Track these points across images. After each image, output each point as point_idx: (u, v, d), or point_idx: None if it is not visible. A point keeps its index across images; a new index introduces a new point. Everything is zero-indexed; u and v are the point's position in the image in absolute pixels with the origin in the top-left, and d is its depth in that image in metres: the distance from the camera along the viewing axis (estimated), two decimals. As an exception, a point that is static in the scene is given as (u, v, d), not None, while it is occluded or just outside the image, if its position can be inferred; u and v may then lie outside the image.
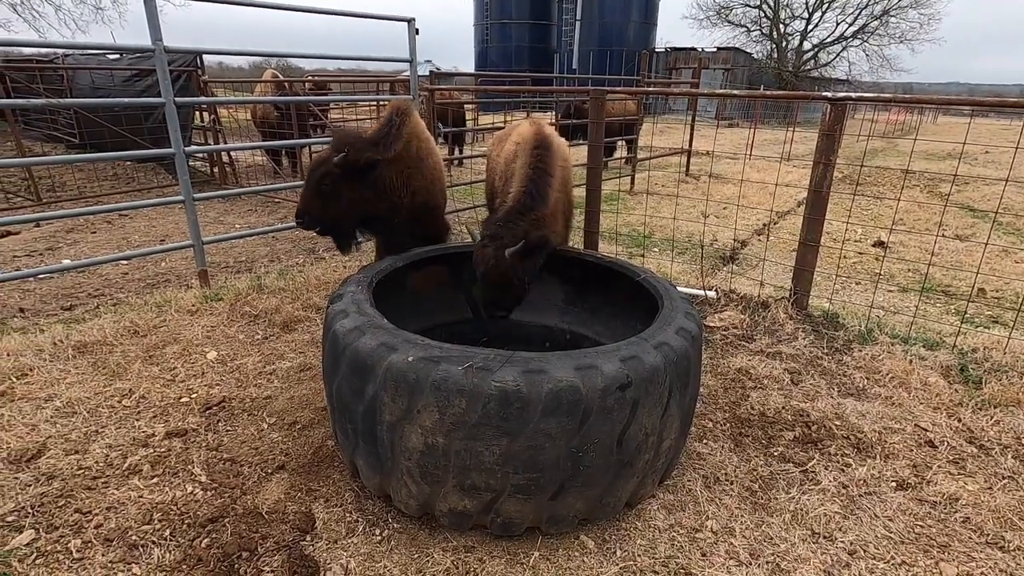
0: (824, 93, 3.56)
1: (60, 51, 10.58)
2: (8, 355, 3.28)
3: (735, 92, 4.22)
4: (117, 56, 10.10)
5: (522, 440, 1.91)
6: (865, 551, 2.13)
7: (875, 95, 3.73)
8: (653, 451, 2.14)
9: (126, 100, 4.98)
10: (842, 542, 2.16)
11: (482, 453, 1.93)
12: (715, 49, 37.65)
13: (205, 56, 8.70)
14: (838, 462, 2.64)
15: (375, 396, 2.01)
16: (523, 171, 3.03)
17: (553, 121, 9.55)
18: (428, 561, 2.03)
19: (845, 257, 5.98)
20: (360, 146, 3.08)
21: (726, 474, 2.52)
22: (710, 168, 11.48)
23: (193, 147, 4.79)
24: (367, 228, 3.49)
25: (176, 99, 3.87)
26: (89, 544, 2.04)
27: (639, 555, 2.09)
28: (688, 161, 10.98)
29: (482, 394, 1.87)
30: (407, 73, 5.65)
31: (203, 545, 2.03)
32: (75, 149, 10.53)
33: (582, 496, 2.05)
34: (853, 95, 3.53)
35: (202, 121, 9.72)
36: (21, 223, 4.11)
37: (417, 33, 5.11)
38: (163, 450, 2.58)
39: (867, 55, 40.36)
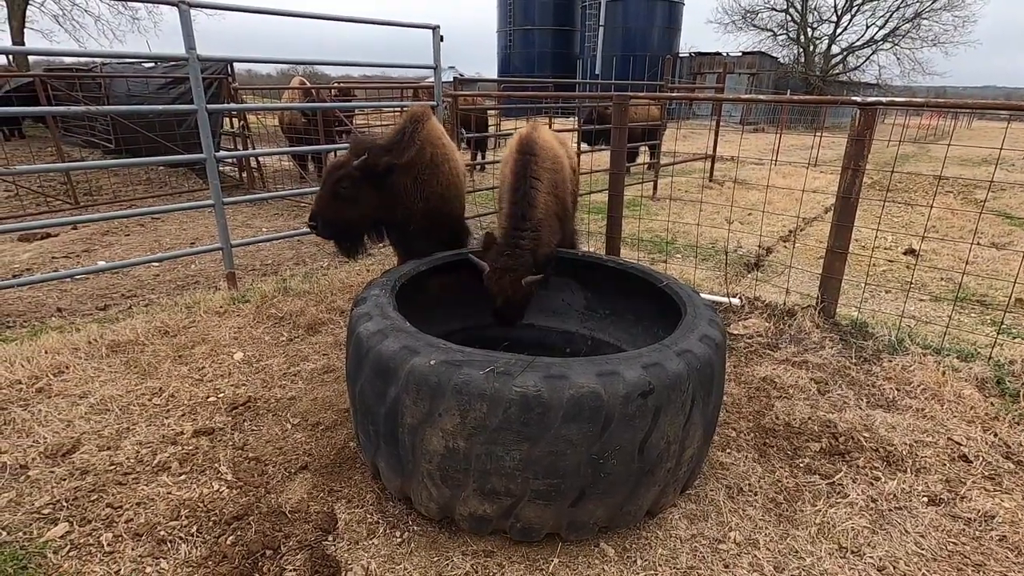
0: (854, 97, 3.49)
1: (98, 60, 10.97)
2: (46, 353, 3.40)
3: (761, 97, 4.17)
4: (152, 64, 10.43)
5: (543, 445, 1.90)
6: (895, 568, 2.07)
7: (907, 99, 3.65)
8: (675, 459, 2.12)
9: (160, 107, 5.13)
10: (871, 558, 2.11)
11: (502, 458, 1.93)
12: (740, 54, 37.22)
13: (235, 64, 8.93)
14: (867, 475, 2.57)
15: (397, 399, 2.03)
16: (510, 180, 3.15)
17: (575, 127, 9.54)
18: (448, 564, 2.04)
19: (875, 265, 5.84)
20: (377, 151, 3.14)
21: (750, 485, 2.48)
22: (735, 174, 11.33)
23: (223, 152, 4.90)
24: (381, 234, 3.54)
25: (208, 106, 3.98)
26: (120, 538, 2.10)
27: (660, 565, 2.07)
28: (712, 166, 10.86)
29: (503, 399, 1.87)
30: (431, 79, 5.71)
31: (228, 542, 2.07)
32: (111, 154, 10.89)
33: (602, 503, 2.04)
34: (884, 100, 3.45)
35: (231, 127, 9.96)
36: (59, 225, 4.28)
37: (442, 40, 5.16)
38: (191, 448, 2.64)
39: (898, 59, 39.46)
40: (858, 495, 2.42)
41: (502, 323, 3.13)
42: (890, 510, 2.35)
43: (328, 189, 3.12)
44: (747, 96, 4.35)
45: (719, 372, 2.28)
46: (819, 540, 2.19)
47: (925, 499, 2.42)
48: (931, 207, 6.49)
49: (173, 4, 3.77)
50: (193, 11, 3.87)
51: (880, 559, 2.10)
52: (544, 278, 2.95)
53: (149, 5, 23.24)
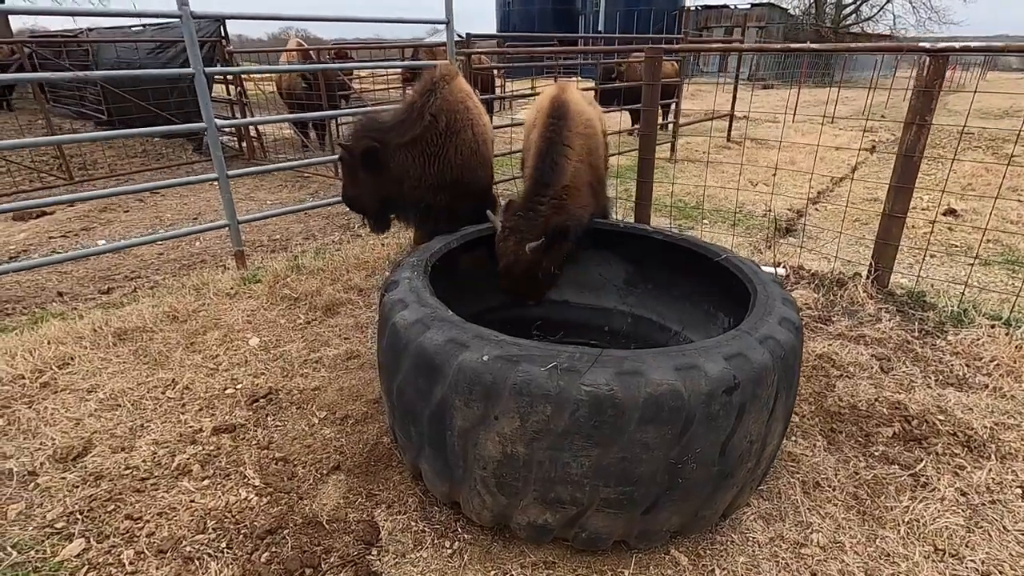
0: (922, 44, 3.14)
1: (84, 25, 10.43)
2: (49, 343, 3.17)
3: (796, 45, 3.77)
4: (140, 28, 9.89)
5: (615, 451, 1.68)
6: (1000, 571, 1.87)
7: (984, 44, 3.28)
8: (756, 459, 1.89)
9: (155, 72, 4.74)
10: (972, 561, 1.90)
11: (569, 464, 1.70)
12: (749, 6, 35.71)
13: (227, 28, 8.42)
14: (948, 463, 2.36)
15: (444, 399, 1.79)
16: (537, 144, 2.90)
17: (586, 86, 9.06)
18: (506, 578, 1.85)
19: (914, 227, 5.53)
20: (367, 132, 2.96)
21: (826, 478, 2.26)
22: (746, 131, 10.86)
23: (224, 121, 4.57)
24: (399, 212, 3.31)
25: (206, 69, 3.63)
26: (142, 555, 1.90)
27: (740, 574, 1.87)
28: (730, 126, 10.41)
29: (570, 399, 1.63)
30: (430, 39, 5.29)
31: (262, 560, 1.87)
32: (103, 126, 10.45)
33: (678, 510, 1.82)
34: (956, 44, 3.10)
35: (227, 94, 9.50)
36: (55, 204, 3.98)
37: (454, -8, 4.74)
38: (212, 448, 2.42)
39: (913, 7, 37.97)
40: (946, 488, 2.21)
41: (511, 296, 2.92)
42: (983, 504, 2.14)
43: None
44: (780, 46, 3.91)
45: (799, 358, 2.04)
46: (911, 541, 1.99)
47: (1019, 490, 2.21)
48: (954, 160, 6.11)
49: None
50: (183, -38, 3.48)
51: (982, 562, 1.90)
52: (545, 244, 2.66)
53: (133, -34, 22.19)
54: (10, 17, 20.20)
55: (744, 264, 2.49)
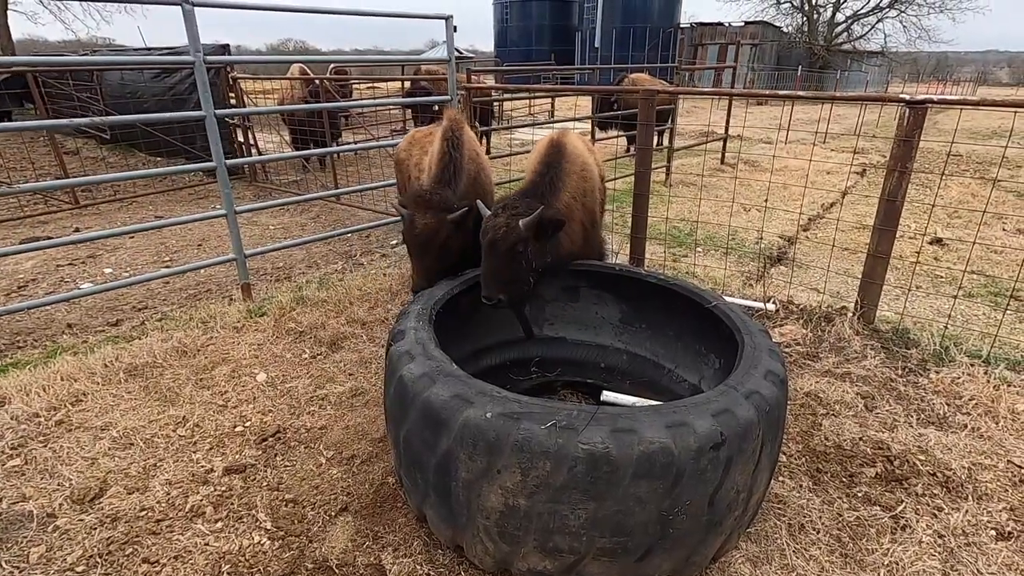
0: (902, 96, 3.30)
1: (90, 43, 10.58)
2: (63, 380, 3.26)
3: (801, 93, 3.95)
4: (144, 50, 10.07)
5: (610, 504, 1.79)
6: (973, 615, 1.98)
7: (960, 98, 3.45)
8: (743, 507, 2.01)
9: (167, 115, 4.85)
10: (947, 604, 2.02)
11: (567, 516, 1.82)
12: (743, 23, 36.28)
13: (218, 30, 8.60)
14: (928, 504, 2.47)
15: (449, 451, 1.91)
16: (533, 167, 3.08)
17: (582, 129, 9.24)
18: (507, 622, 1.94)
19: (900, 257, 5.69)
20: (438, 194, 2.92)
21: (811, 521, 2.38)
22: (739, 152, 11.07)
23: (234, 160, 4.69)
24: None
25: (217, 111, 3.76)
26: (160, 600, 2.00)
27: (729, 618, 1.98)
28: (724, 148, 10.61)
29: (568, 456, 1.75)
30: (428, 54, 5.45)
31: (276, 605, 1.97)
32: (106, 144, 10.59)
33: (670, 557, 1.93)
34: (935, 98, 3.26)
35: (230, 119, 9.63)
36: (65, 244, 4.08)
37: (455, 31, 4.91)
38: (224, 489, 2.52)
39: (904, 26, 38.60)
40: (923, 530, 2.32)
41: (490, 288, 2.69)
42: (959, 547, 2.25)
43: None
44: (785, 92, 4.07)
45: (784, 410, 2.16)
46: (890, 584, 2.10)
47: (993, 532, 2.32)
48: (942, 181, 6.29)
49: (175, 3, 3.52)
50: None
51: (956, 606, 2.02)
52: (540, 226, 2.62)
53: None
54: (11, 24, 20.41)
55: (732, 312, 2.62)
